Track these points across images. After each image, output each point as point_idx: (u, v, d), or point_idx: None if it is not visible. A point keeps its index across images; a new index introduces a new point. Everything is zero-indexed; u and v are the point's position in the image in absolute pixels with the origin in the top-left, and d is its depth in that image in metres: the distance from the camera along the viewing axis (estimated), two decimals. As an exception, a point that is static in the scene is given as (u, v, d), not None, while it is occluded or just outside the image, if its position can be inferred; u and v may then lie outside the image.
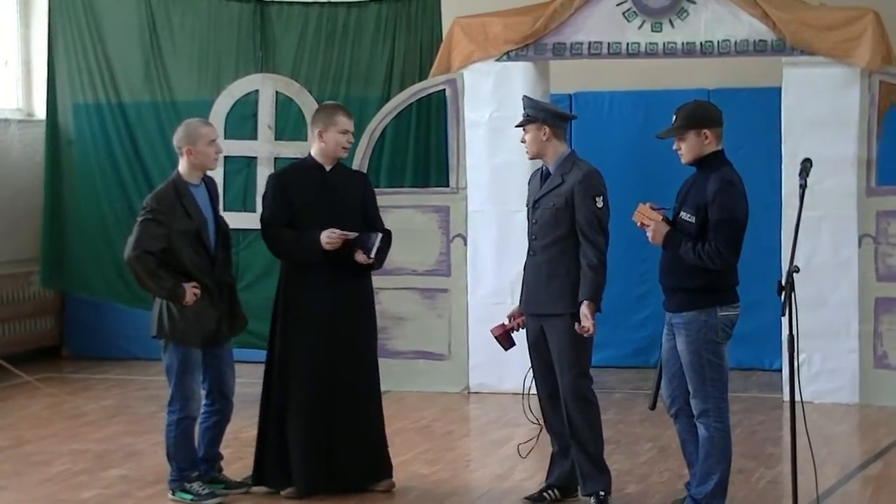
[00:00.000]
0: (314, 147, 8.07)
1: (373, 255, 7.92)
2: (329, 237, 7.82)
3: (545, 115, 7.69)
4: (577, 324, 7.47)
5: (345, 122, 8.02)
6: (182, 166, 7.97)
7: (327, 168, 8.05)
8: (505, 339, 7.88)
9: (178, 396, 7.92)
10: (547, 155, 7.70)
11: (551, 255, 7.60)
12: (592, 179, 7.59)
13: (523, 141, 7.76)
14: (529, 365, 7.85)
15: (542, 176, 7.74)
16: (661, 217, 7.08)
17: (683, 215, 7.04)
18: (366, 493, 8.08)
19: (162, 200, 7.86)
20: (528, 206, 7.84)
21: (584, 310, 7.46)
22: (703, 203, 6.95)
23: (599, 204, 7.53)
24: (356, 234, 7.88)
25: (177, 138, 8.01)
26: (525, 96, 8.05)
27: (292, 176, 8.15)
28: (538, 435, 8.04)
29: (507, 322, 7.88)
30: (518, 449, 8.17)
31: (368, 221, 8.12)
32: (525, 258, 7.85)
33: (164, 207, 7.82)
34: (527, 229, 7.83)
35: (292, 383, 7.93)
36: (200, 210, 7.93)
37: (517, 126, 7.82)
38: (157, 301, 7.92)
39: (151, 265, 7.75)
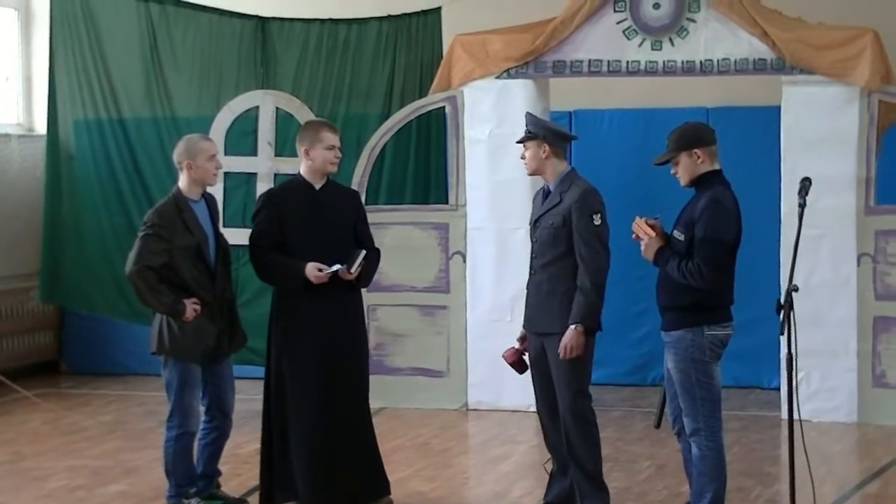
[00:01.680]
0: (302, 166, 8.03)
1: (353, 269, 7.87)
2: (317, 276, 7.81)
3: (545, 133, 7.71)
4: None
5: (330, 138, 7.99)
6: (182, 182, 7.98)
7: (317, 186, 8.01)
8: (518, 364, 7.88)
9: (177, 412, 7.92)
10: (546, 172, 7.72)
11: (550, 273, 7.61)
12: (589, 197, 7.60)
13: (523, 157, 7.78)
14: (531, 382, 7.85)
15: (544, 194, 7.76)
16: (655, 232, 7.09)
17: (675, 233, 7.06)
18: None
19: (163, 216, 7.87)
20: (530, 224, 7.86)
21: (569, 332, 7.47)
22: (692, 221, 6.97)
23: (597, 222, 7.54)
24: (341, 268, 7.86)
25: (177, 153, 8.02)
26: (528, 113, 8.06)
27: (284, 195, 8.12)
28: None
29: (517, 345, 7.88)
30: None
31: (359, 239, 8.11)
32: (527, 276, 7.88)
33: (164, 222, 7.83)
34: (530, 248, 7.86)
35: (291, 400, 7.93)
36: (201, 226, 7.94)
37: (518, 142, 7.84)
38: (157, 317, 7.92)
39: (152, 280, 7.76)
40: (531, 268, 7.75)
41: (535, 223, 7.74)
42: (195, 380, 7.92)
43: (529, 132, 7.73)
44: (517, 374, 7.92)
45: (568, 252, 7.56)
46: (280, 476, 7.97)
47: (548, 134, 7.72)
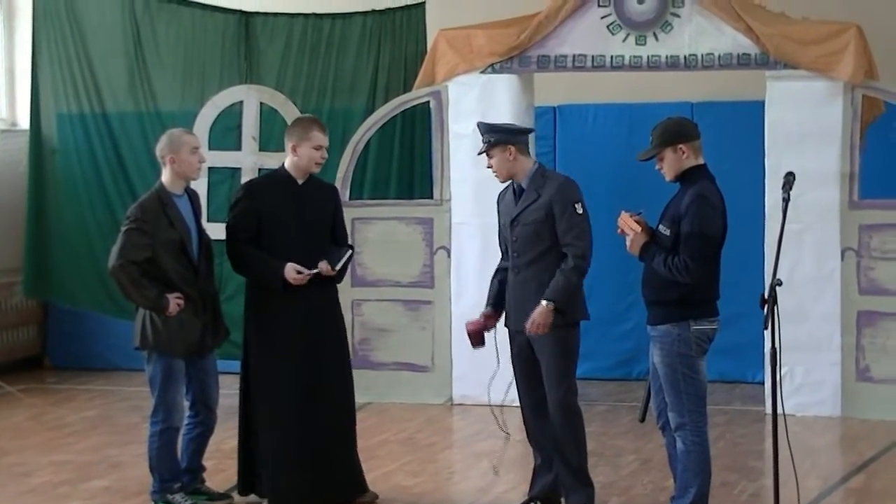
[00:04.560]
0: (287, 160, 8.02)
1: (337, 267, 7.90)
2: (295, 279, 7.80)
3: (507, 137, 7.67)
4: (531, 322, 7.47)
5: (320, 138, 7.98)
6: (165, 176, 7.97)
7: (299, 182, 8.01)
8: (477, 336, 7.80)
9: (161, 407, 7.90)
10: (518, 174, 7.68)
11: (537, 269, 7.58)
12: (569, 188, 7.60)
13: (490, 167, 7.73)
14: (510, 379, 7.84)
15: (515, 193, 7.73)
16: (641, 227, 7.09)
17: (661, 228, 7.07)
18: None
19: (146, 210, 7.85)
20: (503, 225, 7.80)
21: (540, 308, 7.44)
22: (678, 216, 6.98)
23: (580, 210, 7.54)
24: (318, 271, 7.86)
25: (160, 147, 8.01)
26: (479, 122, 7.94)
27: (264, 188, 8.11)
28: (505, 445, 8.06)
29: (482, 319, 7.82)
30: (493, 468, 8.15)
31: (335, 234, 8.11)
32: (493, 279, 7.87)
33: (147, 217, 7.81)
34: (505, 248, 7.81)
35: (268, 394, 7.91)
36: (184, 220, 7.93)
37: (480, 153, 7.77)
38: (141, 312, 7.90)
39: (135, 275, 7.75)
40: (514, 266, 7.69)
41: (511, 222, 7.70)
42: (179, 375, 7.91)
43: (491, 141, 7.65)
44: (471, 346, 7.83)
45: (552, 246, 7.55)
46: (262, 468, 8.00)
47: (509, 136, 7.68)
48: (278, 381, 7.88)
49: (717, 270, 7.10)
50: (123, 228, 7.86)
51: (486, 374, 10.46)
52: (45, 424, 10.78)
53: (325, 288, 8.04)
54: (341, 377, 8.09)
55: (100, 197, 12.37)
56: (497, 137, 7.65)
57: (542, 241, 7.57)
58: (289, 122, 11.64)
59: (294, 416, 7.87)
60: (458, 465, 9.59)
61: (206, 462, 8.27)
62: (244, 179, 11.78)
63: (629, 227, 7.10)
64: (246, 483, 8.13)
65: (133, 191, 12.10)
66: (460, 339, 11.08)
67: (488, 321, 7.84)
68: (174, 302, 7.77)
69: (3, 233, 12.99)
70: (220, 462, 8.90)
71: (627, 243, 7.12)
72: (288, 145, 8.00)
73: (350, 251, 8.10)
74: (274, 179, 8.12)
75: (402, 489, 8.55)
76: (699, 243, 6.90)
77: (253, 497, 8.14)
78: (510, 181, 7.74)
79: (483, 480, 8.83)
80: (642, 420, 7.52)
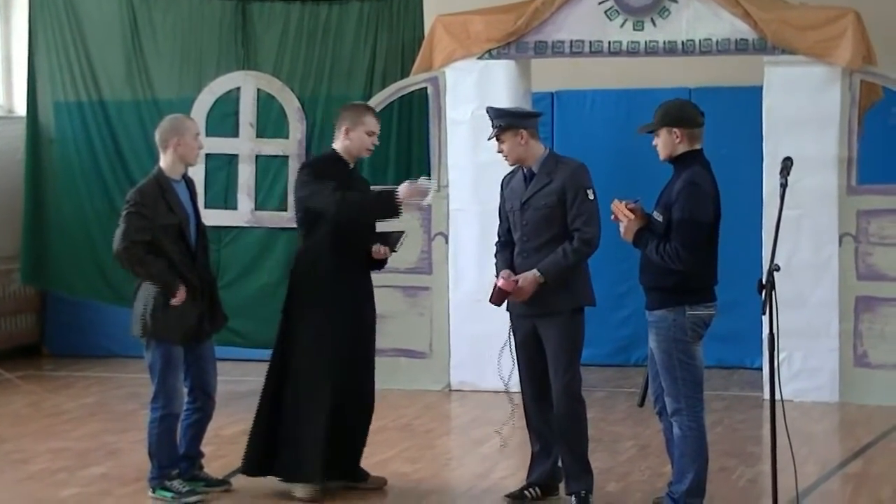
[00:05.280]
0: (339, 143, 7.99)
1: (396, 248, 8.00)
2: (410, 191, 7.78)
3: (518, 121, 7.66)
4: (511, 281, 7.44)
5: (373, 124, 8.01)
6: (164, 161, 7.96)
7: (350, 165, 8.05)
8: (502, 296, 7.60)
9: (161, 394, 7.90)
10: (528, 158, 7.67)
11: (547, 254, 7.55)
12: (582, 174, 7.61)
13: (500, 151, 7.71)
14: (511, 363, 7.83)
15: (525, 177, 7.72)
16: (634, 215, 7.08)
17: (654, 214, 7.07)
18: (354, 489, 8.11)
19: (145, 195, 7.86)
20: (510, 209, 7.78)
21: (529, 275, 7.42)
22: (669, 203, 6.97)
23: (591, 196, 7.53)
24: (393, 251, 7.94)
25: (161, 132, 8.00)
26: (489, 107, 7.92)
27: (325, 168, 8.02)
28: (512, 414, 8.06)
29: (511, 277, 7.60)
30: (500, 436, 8.15)
31: None
32: (495, 260, 7.83)
33: (147, 201, 7.82)
34: (511, 232, 7.77)
35: (317, 377, 7.88)
36: (183, 206, 7.94)
37: (490, 138, 7.74)
38: (140, 300, 7.89)
39: (140, 253, 7.76)
40: (522, 250, 7.66)
41: (521, 206, 7.68)
42: (178, 361, 7.91)
43: (502, 125, 7.64)
44: (494, 303, 7.65)
45: (562, 231, 7.54)
46: (277, 450, 7.94)
47: (521, 120, 7.67)
48: (330, 362, 7.88)
49: (714, 256, 7.09)
50: (124, 213, 7.87)
51: (485, 361, 10.53)
52: (42, 411, 10.78)
53: (368, 275, 8.11)
54: (372, 362, 8.22)
55: (97, 185, 12.36)
56: (508, 121, 7.64)
57: (553, 225, 7.55)
58: (286, 108, 11.75)
59: (337, 399, 7.88)
60: (456, 452, 9.60)
61: (205, 448, 8.26)
62: (241, 166, 11.81)
63: (622, 213, 7.09)
64: (259, 464, 8.05)
65: (130, 178, 12.07)
66: (458, 326, 11.17)
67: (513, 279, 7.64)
68: (182, 288, 7.78)
69: (1, 220, 12.98)
70: (219, 448, 8.90)
71: (621, 230, 7.12)
72: (341, 129, 7.96)
73: (404, 233, 8.14)
74: (330, 161, 8.04)
75: (401, 475, 8.54)
76: (690, 230, 6.90)
77: (245, 481, 8.13)
78: (517, 166, 7.71)
79: (481, 466, 8.84)
80: (641, 405, 7.53)
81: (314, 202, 7.85)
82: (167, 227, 7.81)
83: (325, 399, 7.86)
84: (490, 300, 7.66)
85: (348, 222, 7.87)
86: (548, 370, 7.66)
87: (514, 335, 7.77)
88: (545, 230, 7.58)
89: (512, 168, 7.80)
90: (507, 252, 7.77)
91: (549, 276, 7.46)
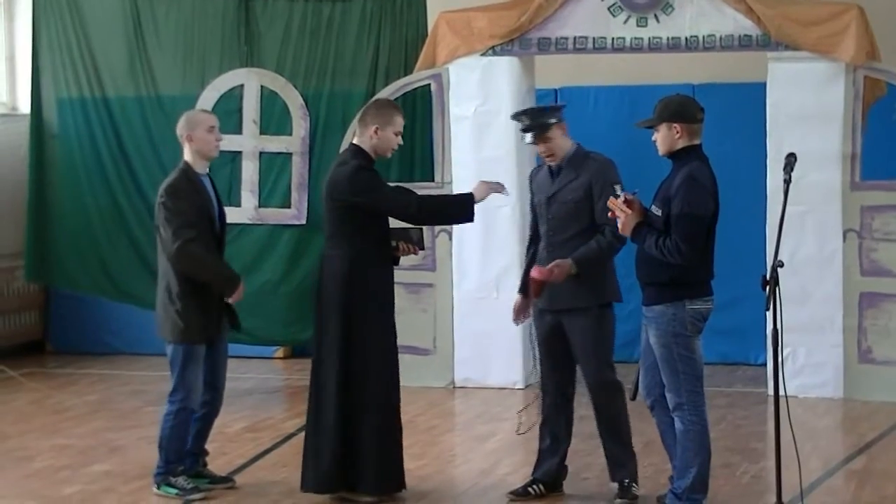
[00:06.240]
0: (364, 140, 7.82)
1: (423, 246, 7.97)
2: (487, 188, 7.74)
3: (557, 115, 7.65)
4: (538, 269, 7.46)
5: (401, 123, 7.91)
6: (187, 155, 7.99)
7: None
8: (538, 286, 7.56)
9: (180, 387, 7.90)
10: (559, 153, 7.66)
11: (574, 248, 7.54)
12: (610, 169, 7.63)
13: (549, 153, 7.62)
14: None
15: (552, 171, 7.71)
16: (634, 208, 7.07)
17: (653, 209, 7.07)
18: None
19: (177, 189, 7.86)
20: (537, 203, 7.78)
21: (563, 262, 7.43)
22: (668, 197, 6.97)
23: (619, 192, 7.52)
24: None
25: (178, 127, 8.06)
26: (521, 112, 7.89)
27: (369, 164, 7.86)
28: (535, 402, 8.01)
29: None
30: (519, 421, 8.16)
31: None
32: (526, 254, 7.86)
33: (180, 195, 7.84)
34: (538, 226, 7.76)
35: (388, 377, 7.80)
36: (211, 199, 7.97)
37: (533, 142, 7.65)
38: (167, 304, 7.85)
39: (197, 251, 7.78)
40: (548, 244, 7.65)
41: (548, 200, 7.67)
42: (199, 357, 7.93)
43: (546, 123, 7.59)
44: (533, 295, 7.60)
45: (590, 226, 7.55)
46: (349, 461, 7.75)
47: (557, 114, 7.66)
48: (393, 361, 7.82)
49: (711, 250, 7.10)
50: (163, 216, 7.83)
51: (488, 358, 10.54)
52: (46, 409, 10.78)
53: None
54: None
55: (100, 181, 12.37)
56: (548, 118, 7.60)
57: (580, 220, 7.57)
58: (289, 105, 11.74)
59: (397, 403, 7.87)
60: (460, 448, 9.59)
61: (209, 445, 8.26)
62: (245, 163, 11.81)
63: (619, 209, 7.09)
64: (337, 479, 7.76)
65: (133, 175, 12.10)
66: (462, 322, 11.17)
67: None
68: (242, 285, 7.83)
69: (5, 217, 12.98)
70: (223, 445, 8.91)
71: (619, 225, 7.11)
72: (370, 127, 7.77)
73: (422, 229, 8.05)
74: (369, 158, 7.86)
75: (405, 472, 8.52)
76: (689, 224, 6.90)
77: (249, 478, 8.11)
78: (550, 161, 7.68)
79: (485, 463, 8.83)
80: (633, 398, 7.54)
81: (389, 205, 7.73)
82: (198, 220, 7.84)
83: (398, 408, 7.84)
84: (534, 295, 7.63)
85: (427, 223, 7.81)
86: (569, 366, 7.70)
87: (536, 330, 7.77)
88: (572, 224, 7.59)
89: (539, 163, 7.75)
90: (536, 247, 7.83)
91: (582, 267, 7.48)
